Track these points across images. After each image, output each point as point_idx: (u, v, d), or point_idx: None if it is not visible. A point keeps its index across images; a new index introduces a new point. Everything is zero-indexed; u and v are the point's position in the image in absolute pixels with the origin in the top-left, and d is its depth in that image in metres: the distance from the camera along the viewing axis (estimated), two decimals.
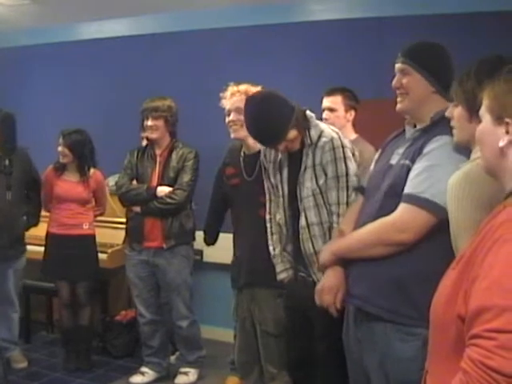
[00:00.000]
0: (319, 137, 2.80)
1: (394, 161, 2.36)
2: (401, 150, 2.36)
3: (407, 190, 2.21)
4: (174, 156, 4.14)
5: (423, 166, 2.19)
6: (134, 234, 4.19)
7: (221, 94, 3.44)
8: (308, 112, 2.90)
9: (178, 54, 5.27)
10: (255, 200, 3.18)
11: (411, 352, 2.14)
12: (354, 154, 2.83)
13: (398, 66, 2.39)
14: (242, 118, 3.22)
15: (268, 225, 3.08)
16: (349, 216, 2.61)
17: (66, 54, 5.65)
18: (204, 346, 4.41)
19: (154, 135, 4.12)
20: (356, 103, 3.75)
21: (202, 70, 5.12)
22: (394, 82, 2.40)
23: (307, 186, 2.79)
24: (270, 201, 3.07)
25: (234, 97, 3.35)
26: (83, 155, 4.43)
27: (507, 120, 1.46)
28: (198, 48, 5.20)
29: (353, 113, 3.73)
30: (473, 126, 1.99)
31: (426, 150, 2.22)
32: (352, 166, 2.77)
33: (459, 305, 1.38)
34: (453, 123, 2.11)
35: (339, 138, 2.80)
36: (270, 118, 2.75)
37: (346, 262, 2.42)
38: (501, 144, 1.47)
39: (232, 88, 3.38)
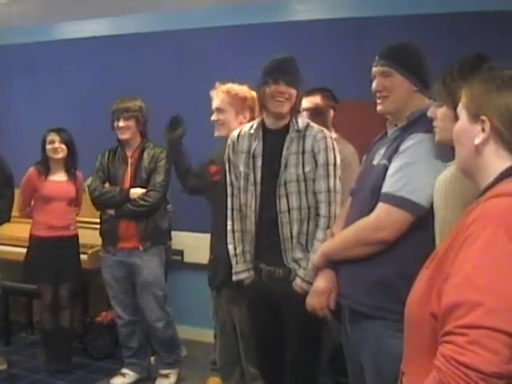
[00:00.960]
0: (307, 126, 2.88)
1: (375, 161, 2.39)
2: (382, 151, 2.39)
3: (384, 189, 2.24)
4: (145, 156, 4.12)
5: (399, 164, 2.23)
6: (109, 237, 4.16)
7: (210, 93, 3.47)
8: None
9: (159, 55, 5.25)
10: None
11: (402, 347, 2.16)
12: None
13: (378, 69, 2.41)
14: (222, 117, 3.35)
15: (229, 222, 3.08)
16: (339, 218, 2.68)
17: (46, 54, 5.62)
18: (184, 347, 4.39)
19: (125, 136, 4.10)
20: (335, 103, 3.75)
21: (184, 71, 5.11)
22: (375, 86, 2.41)
23: (291, 171, 2.84)
24: (233, 195, 3.07)
25: (216, 96, 3.41)
26: (75, 153, 4.43)
27: (483, 118, 1.47)
28: (181, 48, 5.18)
29: (331, 112, 3.72)
30: None
31: (401, 149, 2.26)
32: (339, 158, 2.88)
33: (433, 303, 1.39)
34: (436, 123, 2.12)
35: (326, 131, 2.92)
36: (294, 64, 2.92)
37: (335, 263, 2.47)
38: (476, 142, 1.48)
39: (219, 87, 3.43)
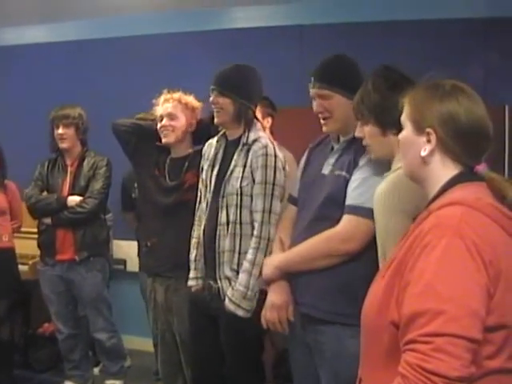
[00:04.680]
0: (255, 140, 2.82)
1: (326, 171, 2.42)
2: (331, 161, 2.42)
3: (349, 201, 2.27)
4: (85, 165, 4.06)
5: (361, 177, 2.26)
6: (46, 248, 4.08)
7: (153, 101, 3.39)
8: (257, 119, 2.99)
9: (101, 62, 5.23)
10: None
11: None
12: (284, 168, 2.83)
13: (314, 91, 2.43)
14: (173, 123, 3.28)
15: (194, 228, 3.06)
16: (284, 225, 2.65)
17: None
18: (129, 357, 4.36)
19: (64, 144, 4.04)
20: (273, 110, 3.76)
21: (126, 78, 5.09)
22: (315, 108, 2.43)
23: (233, 183, 2.81)
24: (199, 202, 3.05)
25: (166, 103, 3.33)
26: (5, 163, 4.32)
27: (428, 130, 1.50)
28: (123, 55, 5.18)
29: (270, 120, 3.74)
30: (388, 139, 2.06)
31: (362, 163, 2.29)
32: (280, 177, 2.78)
33: (392, 311, 1.42)
34: (366, 142, 2.16)
35: (274, 147, 2.82)
36: (240, 73, 2.89)
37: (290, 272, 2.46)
38: (423, 154, 1.52)
39: (165, 95, 3.36)
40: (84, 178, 4.03)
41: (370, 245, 2.19)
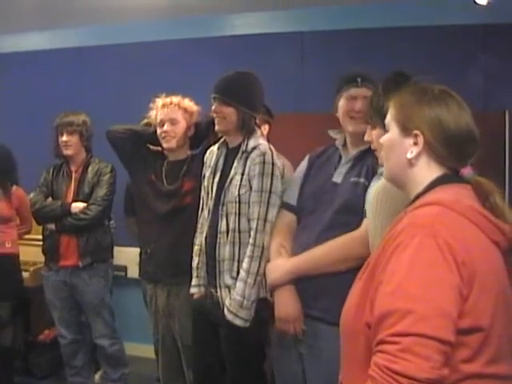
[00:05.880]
0: (254, 148, 2.81)
1: (338, 179, 2.45)
2: (343, 170, 2.46)
3: None
4: (89, 171, 4.07)
5: None
6: (50, 253, 4.08)
7: (151, 105, 3.39)
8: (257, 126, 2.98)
9: (101, 69, 5.23)
10: None
11: None
12: (283, 176, 2.81)
13: (362, 91, 2.47)
14: (175, 129, 3.28)
15: (196, 234, 3.05)
16: (282, 230, 2.64)
17: None
18: (130, 363, 4.34)
19: (69, 151, 4.05)
20: (270, 117, 3.74)
21: (126, 85, 5.09)
22: (358, 107, 2.47)
23: (232, 191, 2.80)
24: (202, 209, 3.04)
25: (166, 108, 3.32)
26: (8, 170, 4.31)
27: (416, 132, 1.49)
28: (122, 62, 5.18)
29: (267, 127, 3.70)
30: None
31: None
32: (277, 185, 2.75)
33: (367, 313, 1.41)
34: (374, 146, 2.16)
35: (272, 154, 2.80)
36: (242, 82, 2.87)
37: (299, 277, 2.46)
38: (409, 156, 1.51)
39: (164, 99, 3.35)
40: (88, 184, 4.04)
41: None
